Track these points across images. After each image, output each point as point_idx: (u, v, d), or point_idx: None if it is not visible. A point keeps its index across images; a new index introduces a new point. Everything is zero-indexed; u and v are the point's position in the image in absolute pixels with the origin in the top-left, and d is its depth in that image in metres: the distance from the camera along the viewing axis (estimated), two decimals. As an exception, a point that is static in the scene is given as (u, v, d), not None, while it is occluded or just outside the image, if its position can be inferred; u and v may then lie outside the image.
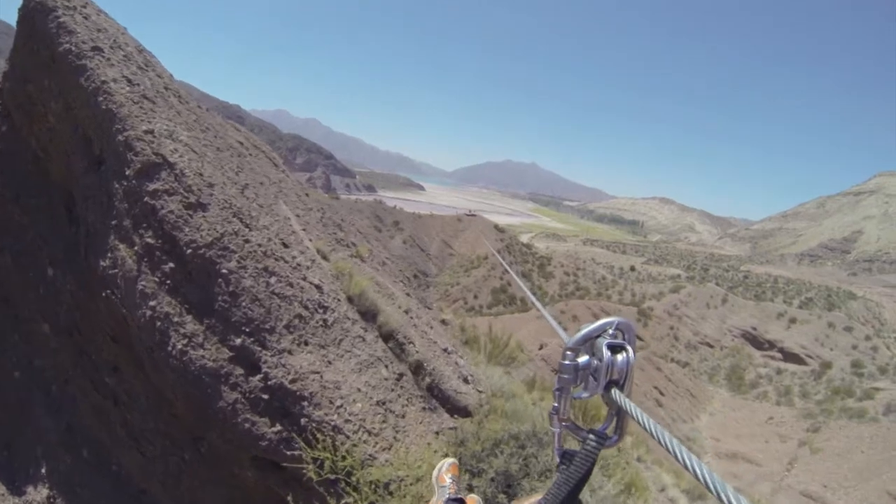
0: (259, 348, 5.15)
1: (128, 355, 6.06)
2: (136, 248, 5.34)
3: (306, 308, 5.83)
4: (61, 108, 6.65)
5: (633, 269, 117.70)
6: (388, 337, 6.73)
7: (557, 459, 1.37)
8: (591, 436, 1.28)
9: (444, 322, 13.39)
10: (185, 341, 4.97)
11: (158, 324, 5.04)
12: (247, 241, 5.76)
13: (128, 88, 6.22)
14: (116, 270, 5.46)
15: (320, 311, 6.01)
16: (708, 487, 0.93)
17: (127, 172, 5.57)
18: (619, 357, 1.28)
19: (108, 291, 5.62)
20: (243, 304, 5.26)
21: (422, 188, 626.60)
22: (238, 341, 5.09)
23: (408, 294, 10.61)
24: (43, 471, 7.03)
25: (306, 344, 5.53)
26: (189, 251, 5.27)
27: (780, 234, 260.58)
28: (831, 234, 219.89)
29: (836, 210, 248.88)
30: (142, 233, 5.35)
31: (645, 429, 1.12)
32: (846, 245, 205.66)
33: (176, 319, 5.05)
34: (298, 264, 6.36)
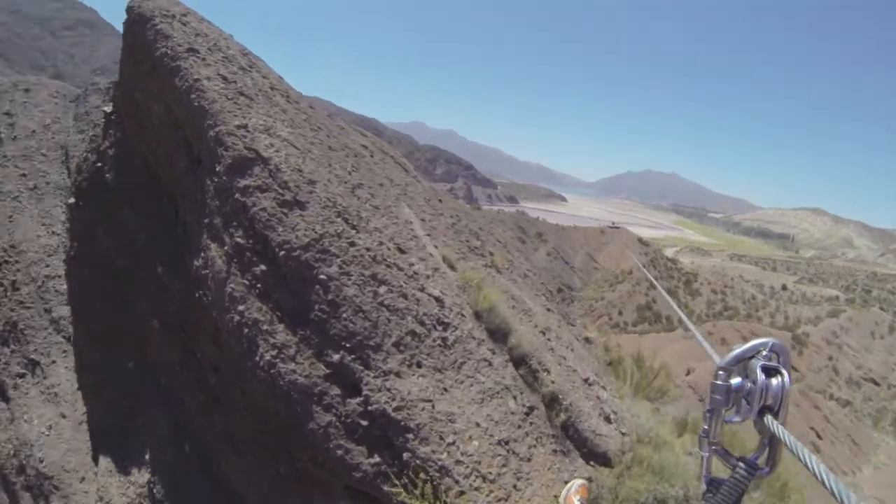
0: (361, 367, 4.56)
1: (224, 358, 5.77)
2: (225, 247, 5.01)
3: (422, 324, 5.20)
4: (163, 111, 6.67)
5: (784, 288, 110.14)
6: (519, 362, 5.93)
7: (704, 487, 1.29)
8: (742, 464, 1.20)
9: (587, 340, 12.70)
10: (274, 352, 4.50)
11: (246, 331, 4.64)
12: (352, 243, 5.22)
13: (222, 85, 6.03)
14: (207, 271, 5.20)
15: (439, 327, 5.35)
16: None
17: (217, 168, 5.30)
18: (774, 381, 1.22)
19: (201, 292, 5.39)
20: (344, 315, 4.70)
21: (563, 199, 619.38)
22: (336, 357, 4.52)
23: (549, 310, 9.87)
24: (147, 457, 7.25)
25: (419, 366, 4.88)
26: (282, 253, 4.81)
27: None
28: None
29: None
30: (232, 232, 5.00)
31: (800, 460, 1.04)
32: None
33: (266, 328, 4.59)
34: (416, 273, 5.76)
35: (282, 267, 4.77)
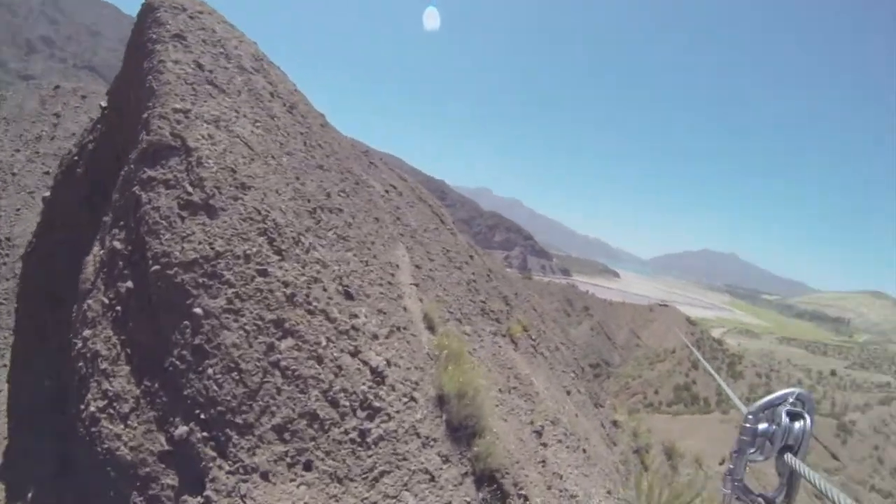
0: (213, 453, 2.99)
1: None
2: (102, 252, 3.80)
3: (333, 404, 3.60)
4: (135, 99, 5.57)
5: (833, 373, 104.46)
6: (485, 478, 4.16)
7: None
8: (761, 499, 1.24)
9: (615, 424, 11.58)
10: (103, 403, 3.09)
11: (81, 364, 3.32)
12: (262, 272, 3.76)
13: (190, 70, 4.98)
14: (82, 276, 4.02)
15: (361, 413, 3.73)
16: None
17: (132, 155, 4.15)
18: (797, 424, 1.27)
19: (76, 305, 4.08)
20: (210, 370, 3.17)
21: (617, 275, 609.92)
22: (181, 430, 3.01)
23: (568, 392, 8.42)
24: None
25: (306, 468, 3.25)
26: (155, 268, 3.40)
27: None
28: None
29: None
30: (115, 232, 3.75)
31: (821, 491, 1.04)
32: None
33: (105, 366, 3.20)
34: (355, 328, 4.18)
35: (150, 287, 3.37)
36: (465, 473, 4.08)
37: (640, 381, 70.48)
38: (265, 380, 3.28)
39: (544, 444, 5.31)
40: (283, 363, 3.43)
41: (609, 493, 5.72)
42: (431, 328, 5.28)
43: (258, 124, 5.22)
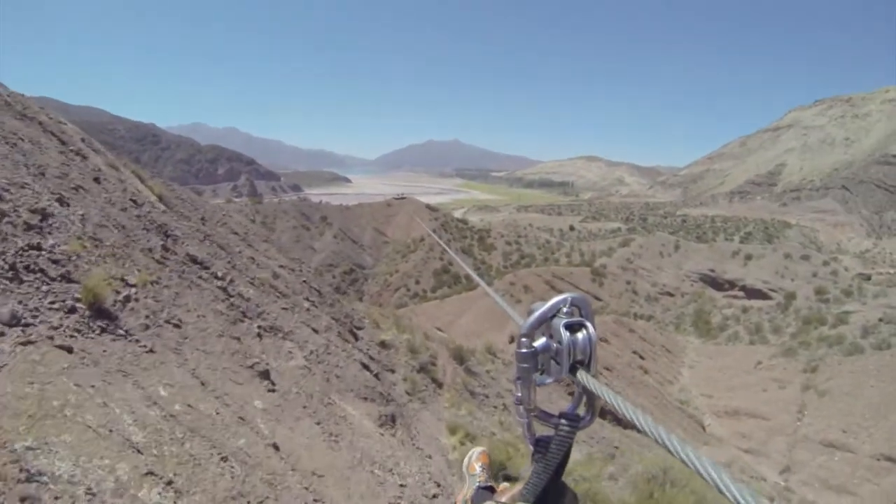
0: None
1: None
2: None
3: None
4: None
5: (572, 228, 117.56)
6: None
7: (532, 448, 1.29)
8: (563, 420, 1.23)
9: (384, 345, 10.93)
10: None
11: None
12: None
13: None
14: None
15: None
16: (682, 460, 0.88)
17: None
18: (580, 335, 1.21)
19: None
20: None
21: (348, 180, 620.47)
22: None
23: (315, 330, 7.36)
24: None
25: None
26: None
27: (709, 176, 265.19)
28: (756, 169, 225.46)
29: (757, 147, 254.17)
30: None
31: (615, 409, 1.05)
32: (772, 178, 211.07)
33: None
34: None
35: None
36: None
37: (399, 275, 73.28)
38: None
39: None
40: None
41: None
42: None
43: None
